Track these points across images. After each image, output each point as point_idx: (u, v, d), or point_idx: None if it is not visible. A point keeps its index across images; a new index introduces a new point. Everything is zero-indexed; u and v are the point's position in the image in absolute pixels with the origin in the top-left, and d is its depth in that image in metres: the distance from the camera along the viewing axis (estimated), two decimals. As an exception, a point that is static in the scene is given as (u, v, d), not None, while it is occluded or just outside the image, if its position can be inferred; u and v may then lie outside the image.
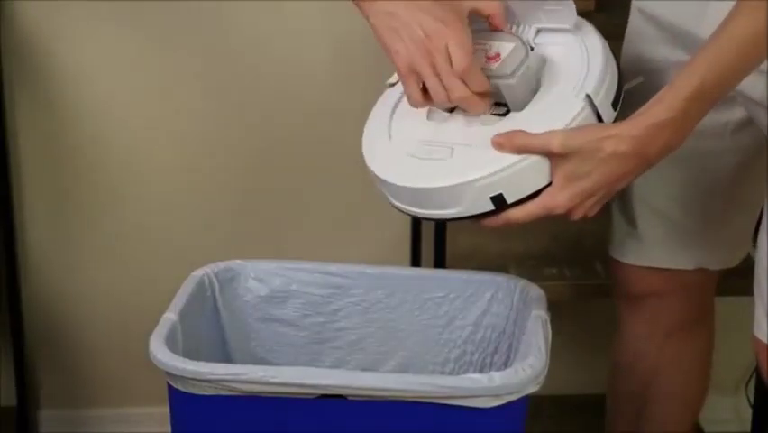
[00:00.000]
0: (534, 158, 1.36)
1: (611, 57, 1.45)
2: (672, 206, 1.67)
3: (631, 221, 1.71)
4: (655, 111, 1.35)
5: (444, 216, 1.42)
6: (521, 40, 1.43)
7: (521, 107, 1.43)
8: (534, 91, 1.44)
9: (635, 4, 1.64)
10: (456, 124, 1.45)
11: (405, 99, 1.44)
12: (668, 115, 1.34)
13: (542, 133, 1.36)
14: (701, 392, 1.86)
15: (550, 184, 1.37)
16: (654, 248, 1.71)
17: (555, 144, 1.35)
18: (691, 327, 1.78)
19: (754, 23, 1.32)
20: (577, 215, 1.39)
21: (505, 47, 1.41)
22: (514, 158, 1.36)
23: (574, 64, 1.44)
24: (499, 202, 1.37)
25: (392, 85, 1.53)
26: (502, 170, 1.36)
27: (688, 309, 1.77)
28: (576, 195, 1.36)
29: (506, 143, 1.36)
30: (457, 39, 1.36)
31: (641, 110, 1.36)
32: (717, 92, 1.36)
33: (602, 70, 1.41)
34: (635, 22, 1.64)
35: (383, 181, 1.44)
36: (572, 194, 1.36)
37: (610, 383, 1.88)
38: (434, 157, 1.41)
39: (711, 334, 1.84)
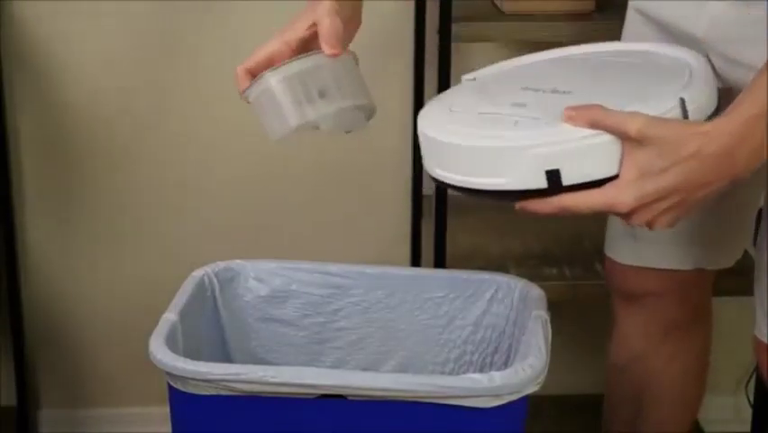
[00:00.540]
0: (606, 138, 1.22)
1: (715, 83, 1.34)
2: None
3: None
4: (743, 108, 1.21)
5: (490, 187, 1.26)
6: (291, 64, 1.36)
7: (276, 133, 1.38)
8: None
9: (631, 4, 1.63)
10: (525, 102, 1.33)
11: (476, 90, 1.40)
12: (758, 109, 1.20)
13: (622, 112, 1.22)
14: (699, 393, 1.85)
15: (616, 177, 1.22)
16: (651, 248, 1.70)
17: (633, 127, 1.20)
18: (688, 327, 1.78)
19: None
20: (640, 219, 1.23)
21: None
22: (582, 132, 1.22)
23: (674, 72, 1.33)
24: (554, 180, 1.22)
25: (470, 80, 1.45)
26: (565, 142, 1.22)
27: (685, 309, 1.76)
28: (646, 195, 1.21)
29: (578, 116, 1.22)
30: None
31: (725, 113, 1.23)
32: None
33: (703, 85, 1.29)
34: (631, 21, 1.63)
35: (431, 140, 1.32)
36: (642, 193, 1.20)
37: (607, 385, 1.88)
38: (493, 123, 1.29)
39: (709, 334, 1.84)
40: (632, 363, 1.80)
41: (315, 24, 1.39)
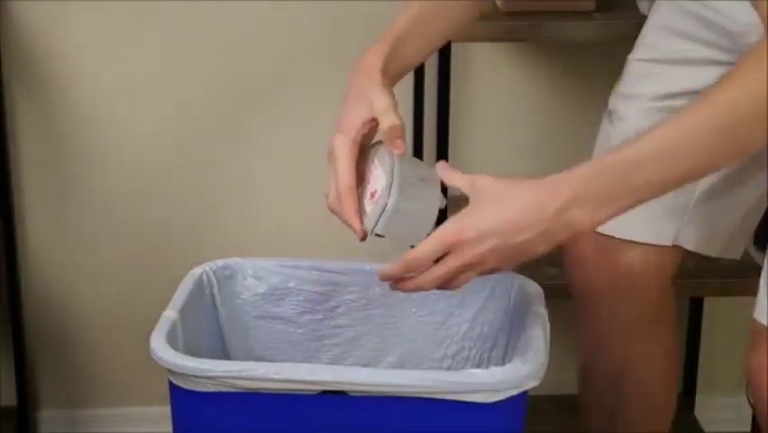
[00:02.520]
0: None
1: None
2: None
3: None
4: (572, 168, 1.30)
5: None
6: (393, 177, 1.36)
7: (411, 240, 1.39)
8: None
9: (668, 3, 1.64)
10: None
11: None
12: (573, 175, 1.29)
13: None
14: (672, 390, 1.83)
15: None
16: (636, 218, 1.67)
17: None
18: (652, 324, 1.75)
19: (693, 121, 1.27)
20: (469, 255, 1.31)
21: (380, 181, 1.38)
22: None
23: None
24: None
25: None
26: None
27: (646, 306, 1.73)
28: (463, 228, 1.31)
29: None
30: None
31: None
32: (631, 178, 1.28)
33: None
34: (662, 11, 1.64)
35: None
36: (461, 226, 1.31)
37: (580, 390, 1.86)
38: None
39: (674, 334, 1.80)
40: (602, 368, 1.78)
41: (374, 120, 1.40)
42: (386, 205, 1.36)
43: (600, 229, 1.67)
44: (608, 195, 1.29)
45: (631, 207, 1.30)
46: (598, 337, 1.78)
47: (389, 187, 1.36)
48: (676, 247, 1.69)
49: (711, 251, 1.71)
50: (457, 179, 1.36)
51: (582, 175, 1.29)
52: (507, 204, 1.30)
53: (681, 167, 1.28)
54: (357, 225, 1.39)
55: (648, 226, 1.67)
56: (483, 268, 1.33)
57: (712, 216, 1.67)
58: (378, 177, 1.39)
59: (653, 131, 1.28)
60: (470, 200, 1.33)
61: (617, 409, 1.79)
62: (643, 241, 1.68)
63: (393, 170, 1.37)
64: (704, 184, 1.64)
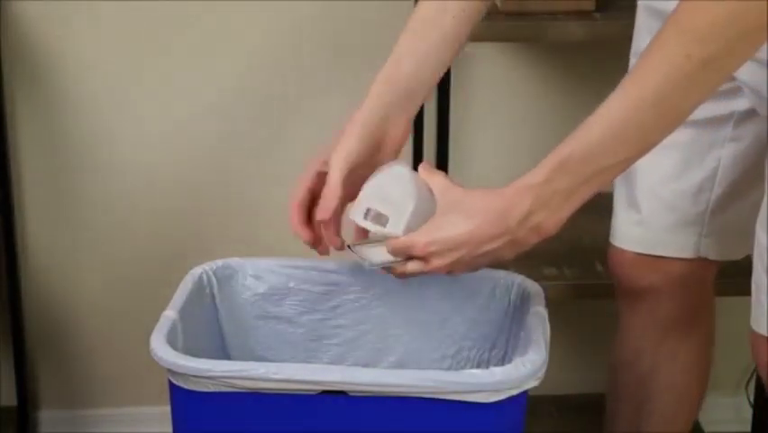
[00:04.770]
0: None
1: None
2: (673, 189, 1.67)
3: (634, 206, 1.71)
4: (526, 175, 1.30)
5: None
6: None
7: None
8: None
9: (641, 3, 1.64)
10: None
11: None
12: (532, 180, 1.29)
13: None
14: (700, 391, 1.86)
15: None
16: (656, 235, 1.70)
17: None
18: (689, 325, 1.78)
19: (626, 102, 1.25)
20: (435, 264, 1.35)
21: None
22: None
23: None
24: None
25: None
26: None
27: (684, 308, 1.77)
28: (437, 240, 1.33)
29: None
30: None
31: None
32: (587, 169, 1.27)
33: None
34: (641, 18, 1.64)
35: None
36: (426, 239, 1.33)
37: (610, 382, 1.88)
38: None
39: (710, 333, 1.84)
40: (633, 361, 1.80)
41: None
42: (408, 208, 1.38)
43: (626, 246, 1.73)
44: (569, 190, 1.29)
45: (592, 194, 1.30)
46: (636, 334, 1.80)
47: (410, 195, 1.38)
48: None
49: (734, 255, 1.74)
50: (434, 183, 1.38)
51: (540, 177, 1.29)
52: (471, 217, 1.32)
53: (634, 146, 1.28)
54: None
55: (668, 243, 1.71)
56: (451, 272, 1.37)
57: (729, 223, 1.70)
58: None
59: (600, 115, 1.27)
60: (438, 209, 1.35)
61: (644, 404, 1.81)
62: (669, 256, 1.72)
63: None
64: (716, 194, 1.67)
